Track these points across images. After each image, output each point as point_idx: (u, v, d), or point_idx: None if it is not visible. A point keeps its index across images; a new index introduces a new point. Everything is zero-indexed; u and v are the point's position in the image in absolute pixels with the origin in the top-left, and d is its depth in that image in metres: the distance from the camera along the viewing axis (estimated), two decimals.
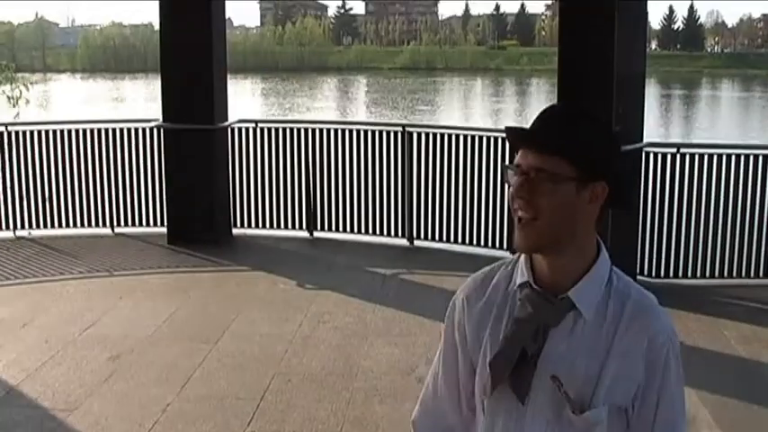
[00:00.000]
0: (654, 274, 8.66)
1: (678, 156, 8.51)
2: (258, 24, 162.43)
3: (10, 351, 6.86)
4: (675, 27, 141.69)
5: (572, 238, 2.18)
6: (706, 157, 8.53)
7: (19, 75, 12.63)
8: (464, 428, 2.43)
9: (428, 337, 7.02)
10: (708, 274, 8.65)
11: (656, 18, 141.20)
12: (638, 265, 8.56)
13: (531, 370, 2.18)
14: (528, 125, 2.20)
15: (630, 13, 8.20)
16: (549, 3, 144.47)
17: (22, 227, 10.46)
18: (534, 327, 2.19)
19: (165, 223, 10.24)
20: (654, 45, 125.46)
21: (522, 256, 2.29)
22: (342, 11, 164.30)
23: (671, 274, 8.70)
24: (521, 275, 2.27)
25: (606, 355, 2.16)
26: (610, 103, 7.97)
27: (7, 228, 10.44)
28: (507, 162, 1.81)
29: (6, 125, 10.47)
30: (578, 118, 2.19)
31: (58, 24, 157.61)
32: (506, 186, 2.24)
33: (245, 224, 10.46)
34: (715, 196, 8.54)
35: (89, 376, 6.35)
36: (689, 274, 8.68)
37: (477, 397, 2.33)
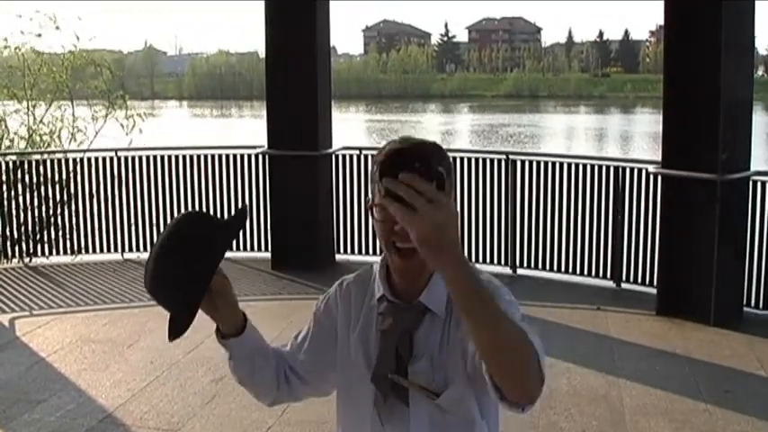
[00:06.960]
0: (762, 305, 8.42)
1: None
2: (362, 52, 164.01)
3: (116, 371, 7.01)
4: None
5: None
6: None
7: (130, 103, 12.96)
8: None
9: None
10: None
11: (763, 44, 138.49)
12: (744, 296, 8.38)
13: (405, 375, 2.31)
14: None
15: (737, 40, 8.04)
16: (654, 29, 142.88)
17: (130, 249, 10.72)
18: (398, 336, 2.33)
19: (269, 249, 10.39)
20: (761, 71, 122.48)
21: (378, 270, 2.41)
22: (445, 38, 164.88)
23: None
24: (377, 289, 2.40)
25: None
26: (716, 131, 7.84)
27: (116, 250, 10.71)
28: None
29: (116, 150, 10.76)
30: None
31: (165, 53, 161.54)
32: (378, 221, 2.26)
33: (348, 250, 10.52)
34: None
35: (192, 398, 6.45)
36: None
37: (357, 405, 2.48)
